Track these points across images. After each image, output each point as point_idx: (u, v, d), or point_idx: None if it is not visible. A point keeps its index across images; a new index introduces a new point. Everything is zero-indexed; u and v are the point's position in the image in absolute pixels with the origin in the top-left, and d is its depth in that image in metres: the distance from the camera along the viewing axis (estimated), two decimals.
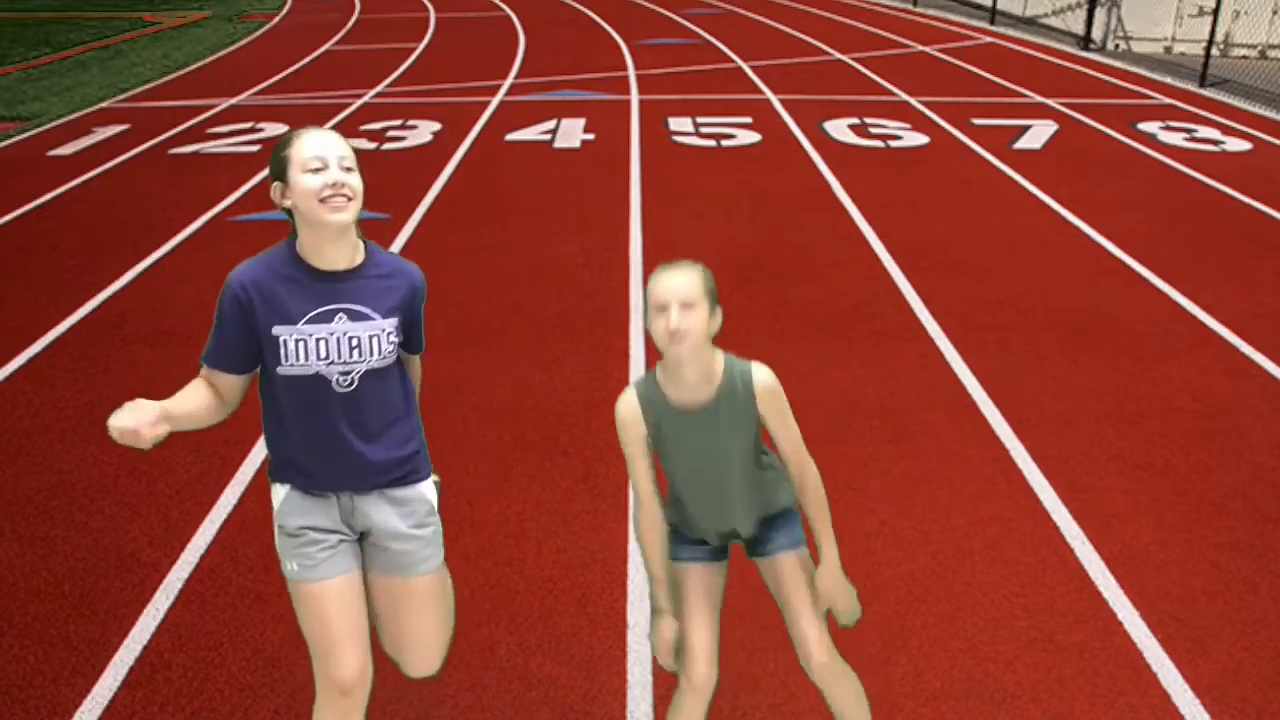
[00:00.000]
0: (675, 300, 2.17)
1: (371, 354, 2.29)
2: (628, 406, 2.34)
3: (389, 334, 2.31)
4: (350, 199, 2.22)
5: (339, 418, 2.30)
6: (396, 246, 6.91)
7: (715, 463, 2.35)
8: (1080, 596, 3.49)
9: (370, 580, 2.45)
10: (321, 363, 2.25)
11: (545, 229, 7.25)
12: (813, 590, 2.44)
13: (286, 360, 2.24)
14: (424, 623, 2.48)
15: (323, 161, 2.21)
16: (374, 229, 7.02)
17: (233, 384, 2.32)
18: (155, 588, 3.53)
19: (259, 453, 4.35)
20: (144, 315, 5.83)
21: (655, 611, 2.43)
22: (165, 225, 7.36)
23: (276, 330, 2.23)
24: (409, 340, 2.42)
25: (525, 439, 4.47)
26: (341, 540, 2.37)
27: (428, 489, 2.47)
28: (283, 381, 2.28)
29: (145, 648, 3.25)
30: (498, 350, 5.35)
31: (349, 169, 2.24)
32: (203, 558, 3.69)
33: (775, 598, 2.51)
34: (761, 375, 2.31)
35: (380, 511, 2.38)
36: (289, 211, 2.26)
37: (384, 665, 2.62)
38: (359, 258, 2.32)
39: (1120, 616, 3.38)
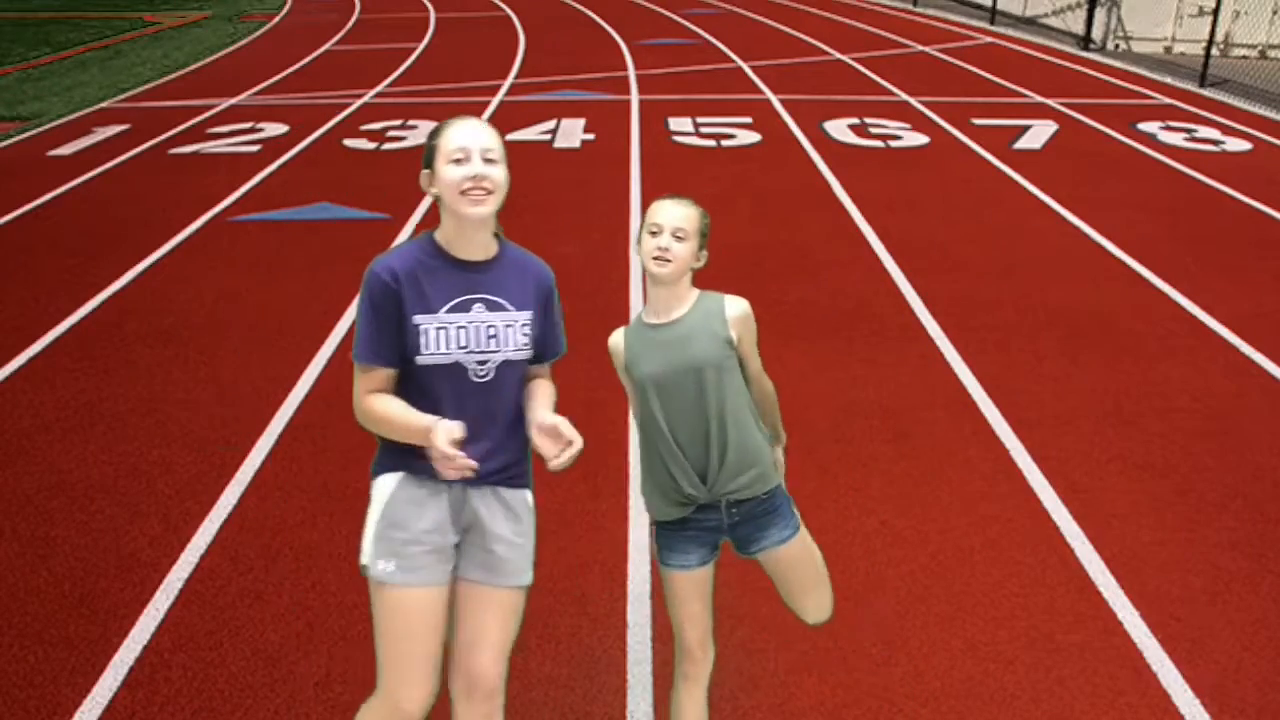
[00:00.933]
0: (669, 227, 2.36)
1: (507, 344, 2.30)
2: (615, 336, 2.52)
3: (524, 325, 2.32)
4: (490, 192, 2.24)
5: (474, 408, 2.28)
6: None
7: (685, 375, 2.39)
8: (1080, 596, 3.49)
9: (458, 587, 2.38)
10: (460, 351, 2.26)
11: (545, 229, 7.24)
12: (809, 570, 2.56)
13: (426, 349, 2.24)
14: (499, 634, 2.38)
15: (465, 153, 2.23)
16: (374, 229, 7.04)
17: (391, 381, 2.29)
18: (155, 588, 3.53)
19: (259, 453, 4.36)
20: (144, 315, 5.83)
21: None
22: (165, 225, 7.36)
23: (417, 319, 2.24)
24: (545, 339, 2.40)
25: None
26: (442, 547, 2.32)
27: (530, 498, 2.46)
28: (420, 371, 2.27)
29: (145, 648, 3.25)
30: None
31: (491, 160, 2.25)
32: (203, 558, 3.70)
33: (772, 576, 2.58)
34: (735, 300, 2.46)
35: (489, 508, 2.36)
36: (436, 199, 2.29)
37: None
38: (493, 249, 2.34)
39: (1120, 616, 3.38)
